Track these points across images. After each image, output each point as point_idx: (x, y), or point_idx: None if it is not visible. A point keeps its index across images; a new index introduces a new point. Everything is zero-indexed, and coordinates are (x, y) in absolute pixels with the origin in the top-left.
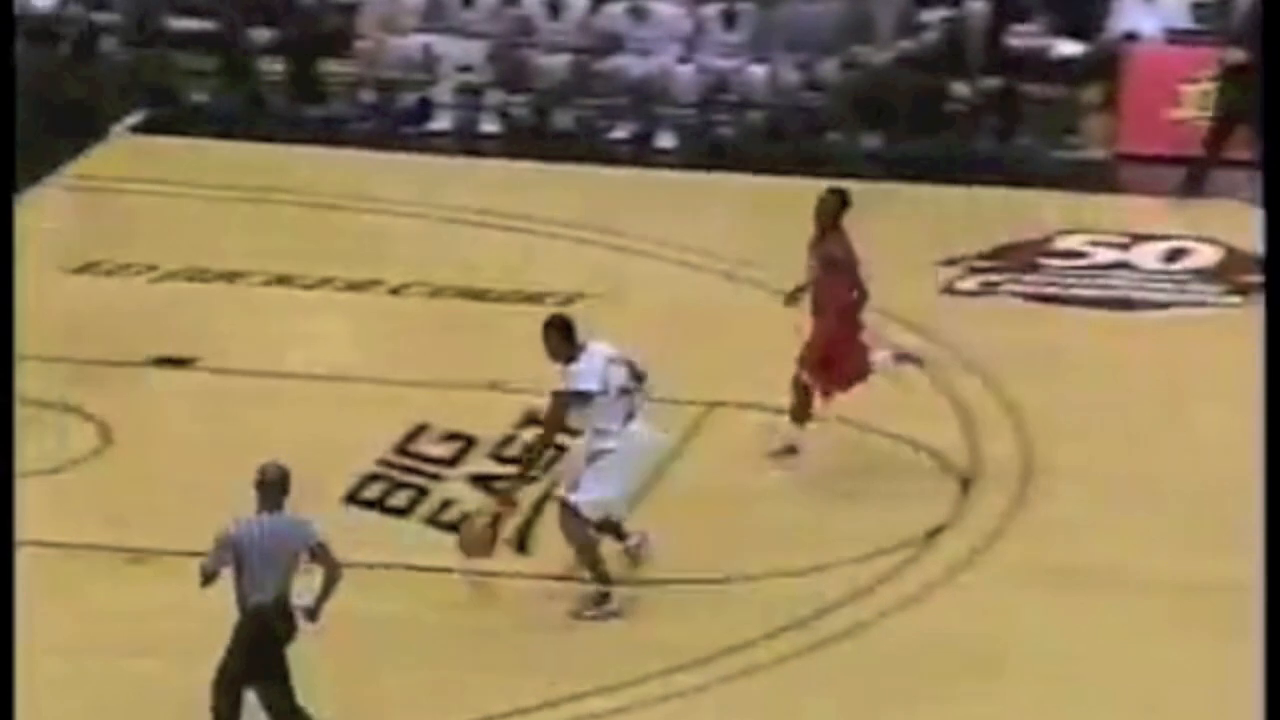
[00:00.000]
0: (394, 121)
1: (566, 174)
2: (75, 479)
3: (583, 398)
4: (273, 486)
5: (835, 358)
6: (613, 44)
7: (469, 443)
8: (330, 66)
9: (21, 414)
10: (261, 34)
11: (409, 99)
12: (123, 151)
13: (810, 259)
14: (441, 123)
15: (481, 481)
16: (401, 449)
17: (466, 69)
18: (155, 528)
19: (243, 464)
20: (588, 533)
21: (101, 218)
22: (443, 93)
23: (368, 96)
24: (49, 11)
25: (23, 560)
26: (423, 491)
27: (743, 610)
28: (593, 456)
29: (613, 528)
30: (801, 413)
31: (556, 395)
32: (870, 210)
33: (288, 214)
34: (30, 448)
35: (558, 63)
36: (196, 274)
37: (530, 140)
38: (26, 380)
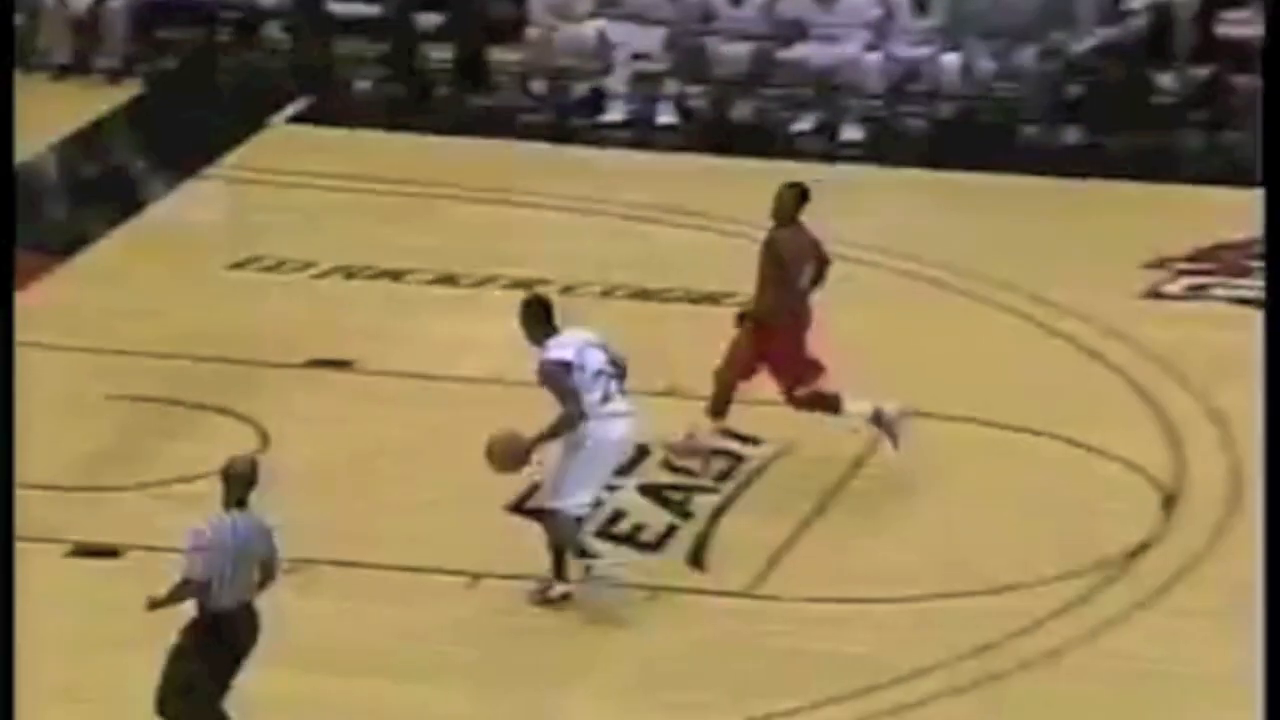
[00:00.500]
0: (565, 112)
1: (746, 168)
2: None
3: (562, 367)
4: (239, 480)
5: (803, 359)
6: (796, 31)
7: (641, 450)
8: (499, 54)
9: (176, 416)
10: (428, 19)
11: (581, 89)
12: (282, 142)
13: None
14: (615, 114)
15: (654, 491)
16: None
17: (642, 57)
18: (312, 537)
19: (402, 471)
20: (579, 536)
21: (259, 211)
22: (617, 82)
23: (538, 86)
24: None
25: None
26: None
27: (938, 629)
28: (569, 445)
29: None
30: (832, 406)
31: (545, 365)
32: (1070, 209)
33: (453, 209)
34: (185, 452)
35: (738, 51)
36: (356, 271)
37: (708, 132)
38: (181, 381)
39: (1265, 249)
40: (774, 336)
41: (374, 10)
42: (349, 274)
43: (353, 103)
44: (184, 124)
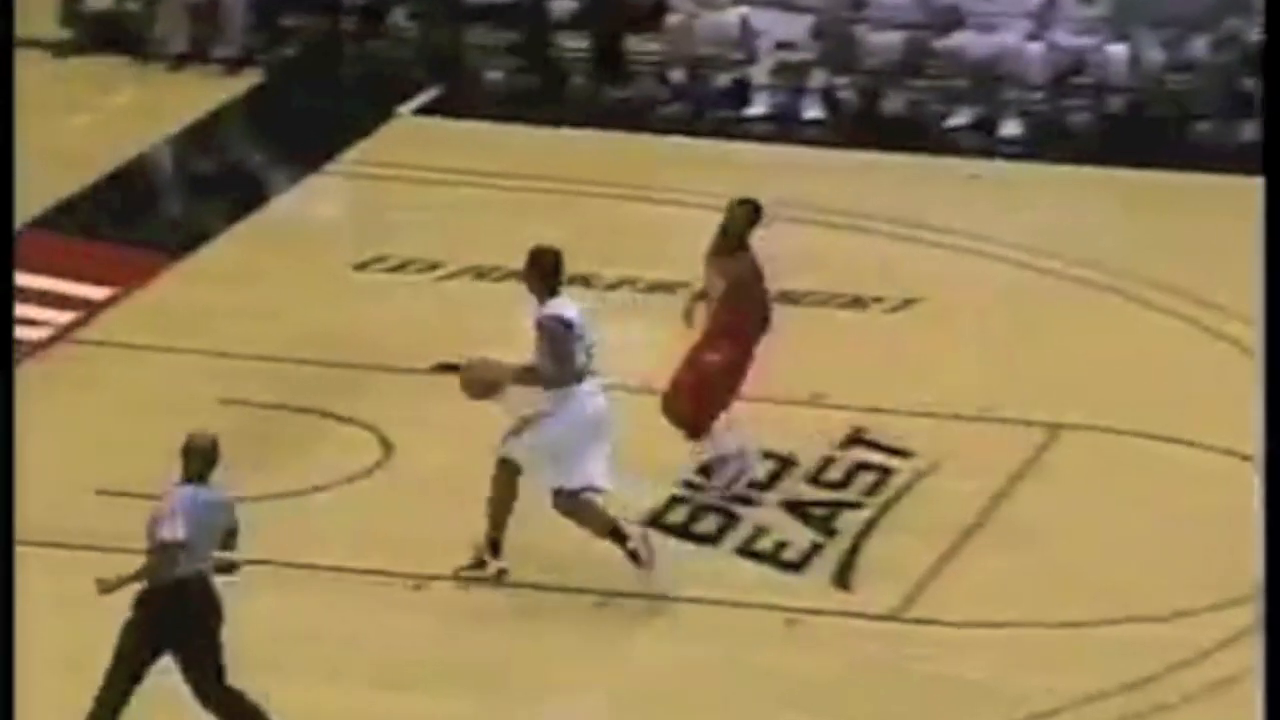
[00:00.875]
0: (706, 105)
1: (898, 165)
2: (352, 496)
3: (565, 326)
4: (199, 455)
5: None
6: (952, 19)
7: (785, 463)
8: (637, 43)
9: (295, 423)
10: (563, 6)
11: (723, 80)
12: (409, 135)
13: (711, 274)
14: (759, 107)
15: (799, 508)
16: (710, 469)
17: (788, 46)
18: (436, 551)
19: (532, 481)
20: (599, 511)
21: (384, 208)
22: (761, 73)
23: (677, 77)
24: None
25: (298, 580)
26: (733, 517)
27: (1096, 657)
28: (563, 424)
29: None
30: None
31: (548, 320)
32: (1245, 208)
33: (588, 206)
34: (304, 461)
35: (891, 39)
36: (485, 272)
37: (857, 127)
38: (301, 386)
39: (1265, 248)
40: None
41: None
42: (478, 274)
43: (483, 94)
44: (306, 116)
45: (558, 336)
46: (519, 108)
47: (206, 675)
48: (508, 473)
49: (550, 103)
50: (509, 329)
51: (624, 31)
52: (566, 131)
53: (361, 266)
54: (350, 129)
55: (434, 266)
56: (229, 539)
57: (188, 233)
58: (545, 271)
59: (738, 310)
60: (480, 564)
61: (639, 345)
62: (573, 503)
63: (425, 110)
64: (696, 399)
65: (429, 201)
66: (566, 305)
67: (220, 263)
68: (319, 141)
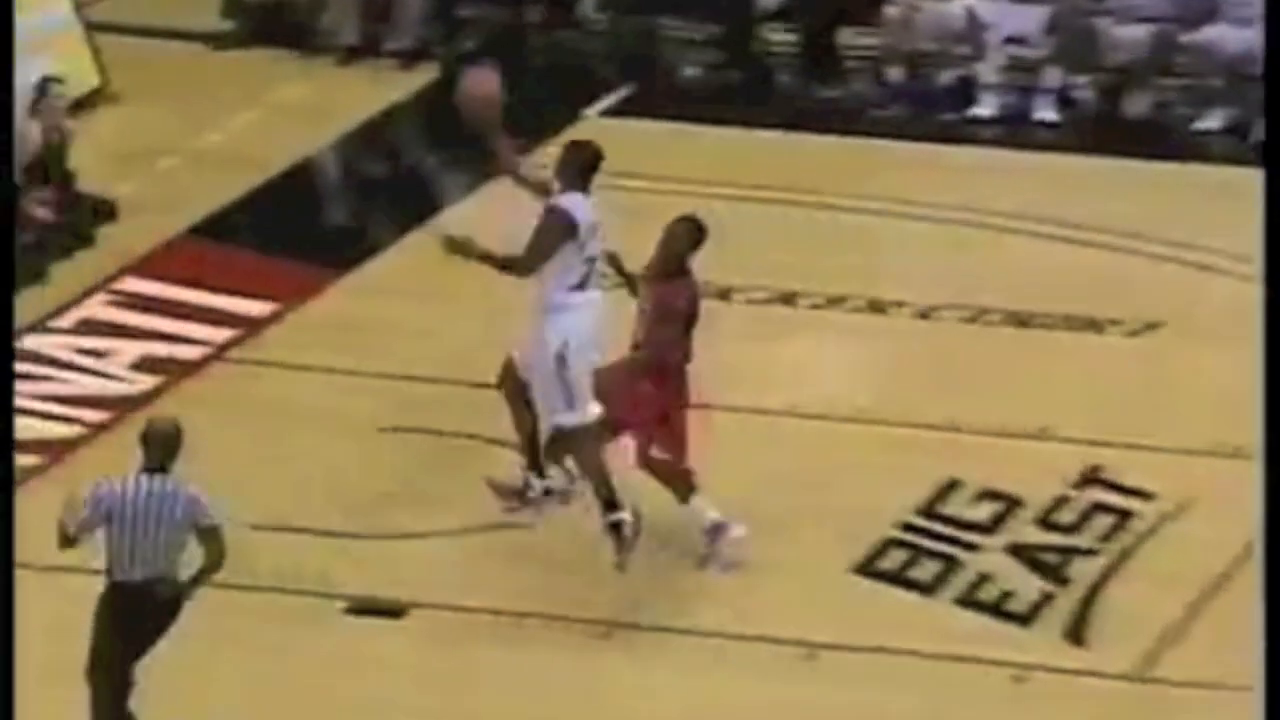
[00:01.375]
0: (927, 105)
1: (1140, 172)
2: (515, 534)
3: (567, 226)
4: (157, 444)
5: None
6: (1205, 11)
7: (1012, 504)
8: (850, 37)
9: (466, 451)
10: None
11: (947, 78)
12: (597, 136)
13: (646, 297)
14: (986, 108)
15: (1027, 553)
16: (928, 509)
17: (1019, 41)
18: (614, 593)
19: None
20: (597, 453)
21: None
22: (989, 71)
23: (895, 75)
24: None
25: (461, 627)
26: (953, 562)
27: None
28: (546, 356)
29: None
30: (684, 488)
31: (555, 209)
32: None
33: (794, 216)
34: (474, 493)
35: (1135, 34)
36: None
37: (1096, 130)
38: (473, 410)
39: (1265, 249)
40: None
41: None
42: None
43: (679, 92)
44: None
45: (552, 230)
46: (719, 107)
47: (121, 658)
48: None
49: (754, 102)
50: (704, 350)
51: (836, 24)
52: (771, 134)
53: None
54: (534, 130)
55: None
56: (209, 543)
57: (355, 243)
58: (582, 167)
59: (658, 340)
60: (521, 493)
61: (847, 370)
62: (570, 443)
63: (615, 110)
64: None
65: (619, 209)
66: (581, 205)
67: (390, 277)
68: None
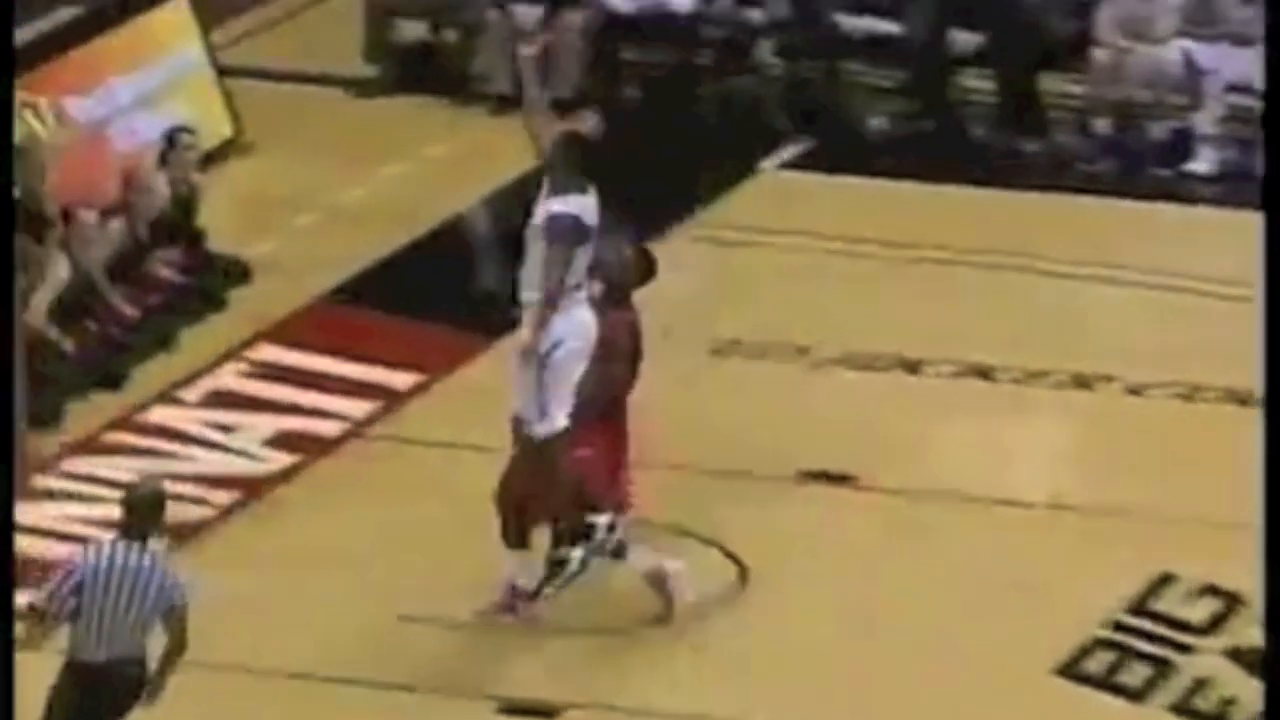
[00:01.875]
0: (1139, 160)
1: None
2: (702, 631)
3: (578, 232)
4: (139, 509)
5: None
6: None
7: (1233, 601)
8: (1054, 83)
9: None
10: (964, 39)
11: (1160, 130)
12: (776, 191)
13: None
14: (1204, 163)
15: (1249, 656)
16: (1138, 606)
17: (1242, 89)
18: (804, 705)
19: (925, 623)
20: (570, 463)
21: (745, 281)
22: (1207, 121)
23: (1103, 126)
24: (689, 10)
25: None
26: (1167, 666)
27: None
28: (538, 359)
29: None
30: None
31: (563, 220)
32: None
33: (990, 281)
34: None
35: None
36: (864, 360)
37: None
38: (639, 493)
39: (1265, 255)
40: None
41: (894, 28)
42: (854, 363)
43: (865, 144)
44: (652, 168)
45: (565, 238)
46: (908, 161)
47: None
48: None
49: (947, 156)
50: (889, 429)
51: (1038, 70)
52: (966, 191)
53: (717, 351)
54: (705, 185)
55: (804, 352)
56: (174, 626)
57: (509, 307)
58: (576, 160)
59: (604, 378)
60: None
61: (1049, 452)
62: (548, 453)
63: (795, 163)
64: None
65: (798, 273)
66: (588, 209)
67: None
68: (668, 200)
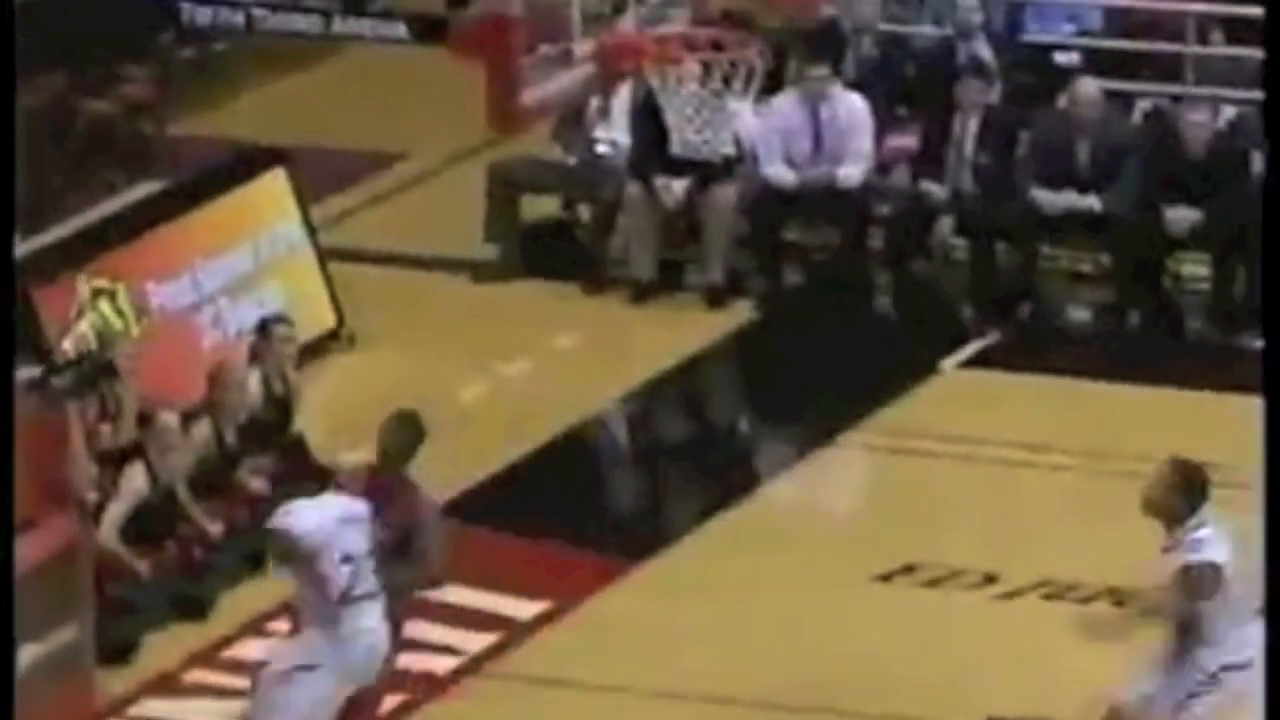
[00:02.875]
0: None
1: None
2: None
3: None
4: None
5: None
6: None
7: None
8: None
9: None
10: (1179, 216)
11: None
12: (958, 394)
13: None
14: None
15: None
16: None
17: None
18: None
19: None
20: None
21: (923, 495)
22: None
23: None
24: (859, 183)
25: None
26: None
27: None
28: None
29: None
30: None
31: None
32: None
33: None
34: None
35: None
36: (1059, 590)
37: None
38: None
39: (1263, 262)
40: None
41: (1098, 202)
42: (1049, 593)
43: (1063, 338)
44: (815, 367)
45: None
46: (1113, 359)
47: None
48: None
49: (1159, 353)
50: (1101, 673)
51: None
52: (1182, 394)
53: (887, 577)
54: (876, 385)
55: (990, 580)
56: None
57: (647, 528)
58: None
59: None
60: None
61: None
62: None
63: (982, 360)
64: None
65: (984, 487)
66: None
67: (687, 571)
68: (834, 402)
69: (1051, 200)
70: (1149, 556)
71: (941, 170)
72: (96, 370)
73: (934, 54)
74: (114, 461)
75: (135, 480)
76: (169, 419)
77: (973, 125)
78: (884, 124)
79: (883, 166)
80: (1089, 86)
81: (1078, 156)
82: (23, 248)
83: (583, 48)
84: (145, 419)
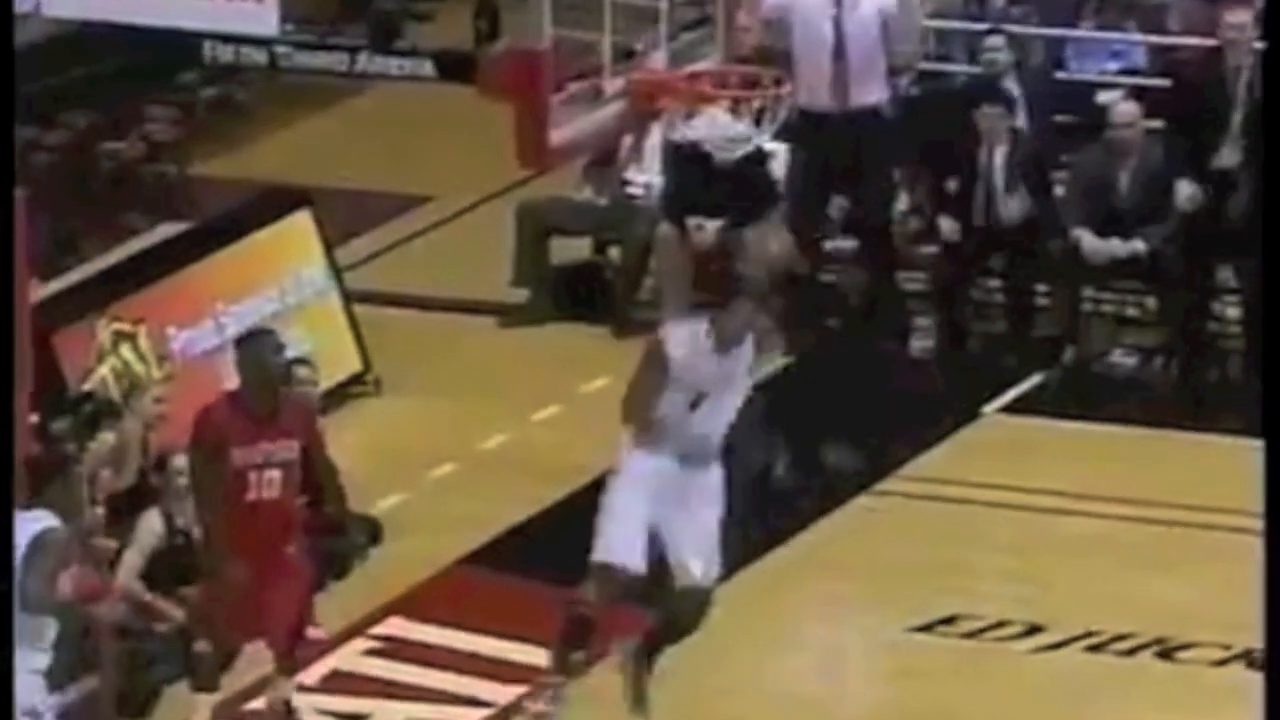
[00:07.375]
0: None
1: None
2: None
3: None
4: None
5: None
6: None
7: None
8: None
9: None
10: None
11: None
12: (1000, 439)
13: None
14: None
15: None
16: None
17: None
18: None
19: None
20: None
21: (965, 544)
22: None
23: None
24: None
25: None
26: None
27: None
28: None
29: None
30: None
31: None
32: None
33: (1259, 551)
34: None
35: None
36: (1102, 642)
37: None
38: None
39: (1263, 270)
40: None
41: (1141, 246)
42: (1090, 644)
43: (1108, 384)
44: (854, 411)
45: None
46: (1162, 408)
47: None
48: None
49: (1207, 401)
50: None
51: None
52: (1234, 442)
53: (925, 629)
54: (917, 432)
55: (1032, 631)
56: None
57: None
58: None
59: None
60: None
61: None
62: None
63: (1023, 406)
64: None
65: (1026, 536)
66: None
67: (720, 621)
68: (871, 450)
69: (1095, 248)
70: (1195, 607)
71: (969, 206)
72: (98, 413)
73: (956, 91)
74: (122, 506)
75: (151, 525)
76: (183, 462)
77: (999, 156)
78: (915, 165)
79: (917, 209)
80: (1127, 106)
81: (1119, 189)
82: (43, 291)
83: (613, 85)
84: (160, 463)
